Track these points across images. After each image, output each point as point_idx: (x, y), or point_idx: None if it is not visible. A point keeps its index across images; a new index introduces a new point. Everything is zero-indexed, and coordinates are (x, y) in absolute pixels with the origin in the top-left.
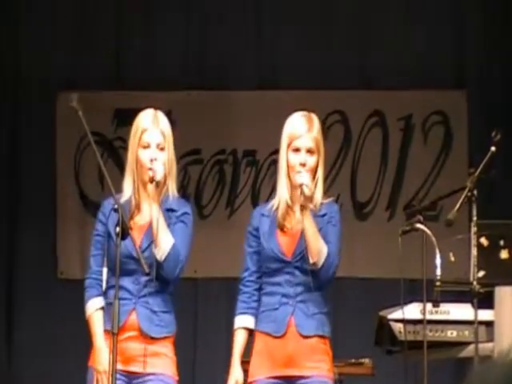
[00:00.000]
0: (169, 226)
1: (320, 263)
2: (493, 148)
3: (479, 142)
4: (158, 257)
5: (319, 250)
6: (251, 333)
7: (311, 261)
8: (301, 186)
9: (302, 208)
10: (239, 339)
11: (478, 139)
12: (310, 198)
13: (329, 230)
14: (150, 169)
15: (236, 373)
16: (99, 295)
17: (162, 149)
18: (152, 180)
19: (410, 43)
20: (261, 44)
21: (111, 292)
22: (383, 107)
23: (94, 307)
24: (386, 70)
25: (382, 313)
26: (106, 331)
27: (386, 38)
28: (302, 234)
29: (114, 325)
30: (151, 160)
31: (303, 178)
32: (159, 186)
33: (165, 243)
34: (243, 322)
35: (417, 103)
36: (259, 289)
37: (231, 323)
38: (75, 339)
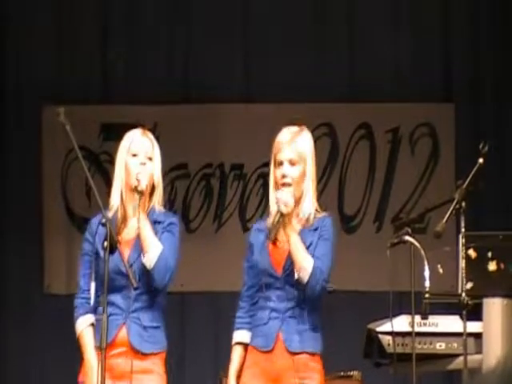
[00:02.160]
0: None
1: (305, 280)
2: (480, 160)
3: (466, 154)
4: (147, 265)
5: (303, 266)
6: (247, 347)
7: (296, 276)
8: (277, 203)
9: (283, 224)
10: (235, 355)
11: (465, 151)
12: (288, 215)
13: (319, 245)
14: (138, 179)
15: None
16: (88, 313)
17: (150, 159)
18: (136, 188)
19: (397, 56)
20: (247, 57)
21: (101, 309)
22: (371, 119)
23: (83, 324)
24: (373, 82)
25: (370, 325)
26: (96, 347)
27: (374, 51)
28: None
29: (103, 340)
30: (141, 163)
31: (281, 194)
32: (144, 194)
33: (153, 251)
34: (239, 337)
35: (404, 115)
36: (255, 303)
37: (218, 337)
38: (61, 353)
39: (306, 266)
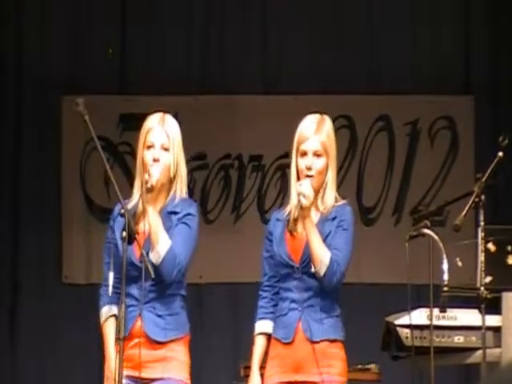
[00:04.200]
0: (169, 228)
1: (322, 272)
2: (500, 153)
3: (486, 146)
4: (154, 260)
5: (320, 259)
6: (270, 337)
7: (313, 270)
8: (298, 195)
9: (302, 217)
10: (258, 346)
11: (484, 144)
12: (308, 209)
13: (337, 235)
14: (149, 175)
15: (254, 380)
16: (112, 303)
17: (167, 149)
18: (146, 183)
19: (417, 48)
20: (267, 48)
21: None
22: (390, 112)
23: (106, 314)
24: (392, 74)
25: (388, 318)
26: (115, 339)
27: (394, 43)
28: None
29: (120, 331)
30: (154, 160)
31: (302, 187)
32: (153, 190)
33: (160, 247)
34: (262, 327)
35: (423, 108)
36: (277, 293)
37: (236, 329)
38: (79, 343)
39: (323, 259)
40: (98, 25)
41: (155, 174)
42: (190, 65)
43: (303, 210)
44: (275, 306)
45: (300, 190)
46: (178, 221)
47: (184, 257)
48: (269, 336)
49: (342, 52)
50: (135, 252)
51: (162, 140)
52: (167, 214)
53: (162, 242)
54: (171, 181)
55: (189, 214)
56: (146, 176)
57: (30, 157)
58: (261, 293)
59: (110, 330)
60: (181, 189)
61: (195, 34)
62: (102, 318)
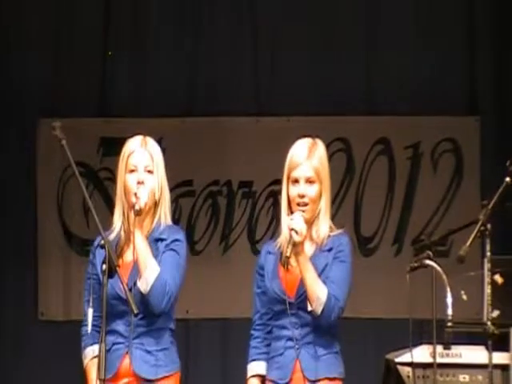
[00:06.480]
0: (157, 256)
1: (319, 310)
2: (507, 179)
3: (493, 171)
4: (142, 289)
5: (317, 297)
6: (264, 379)
7: (309, 308)
8: (290, 231)
9: (295, 253)
10: None
11: (491, 169)
12: (302, 244)
13: (334, 268)
14: (135, 194)
15: None
16: (95, 343)
17: (150, 172)
18: (133, 207)
19: (419, 67)
20: (257, 68)
21: (106, 338)
22: (389, 134)
23: (89, 356)
24: (392, 94)
25: (389, 356)
26: (100, 380)
27: (393, 61)
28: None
29: (101, 370)
30: (138, 183)
31: (294, 222)
32: (142, 214)
33: (148, 274)
34: (255, 369)
35: (425, 130)
36: (270, 331)
37: (225, 367)
38: (56, 380)
39: (320, 297)
40: (79, 45)
41: (143, 196)
42: (177, 86)
43: (296, 246)
44: (268, 345)
45: (291, 225)
46: (166, 247)
47: (174, 285)
48: (262, 378)
49: (338, 71)
50: (122, 284)
51: (145, 162)
52: (154, 242)
53: (150, 269)
54: (156, 205)
55: (176, 240)
56: (133, 199)
57: (4, 184)
58: (252, 332)
59: (93, 372)
60: (165, 214)
61: (182, 55)
62: (86, 360)
